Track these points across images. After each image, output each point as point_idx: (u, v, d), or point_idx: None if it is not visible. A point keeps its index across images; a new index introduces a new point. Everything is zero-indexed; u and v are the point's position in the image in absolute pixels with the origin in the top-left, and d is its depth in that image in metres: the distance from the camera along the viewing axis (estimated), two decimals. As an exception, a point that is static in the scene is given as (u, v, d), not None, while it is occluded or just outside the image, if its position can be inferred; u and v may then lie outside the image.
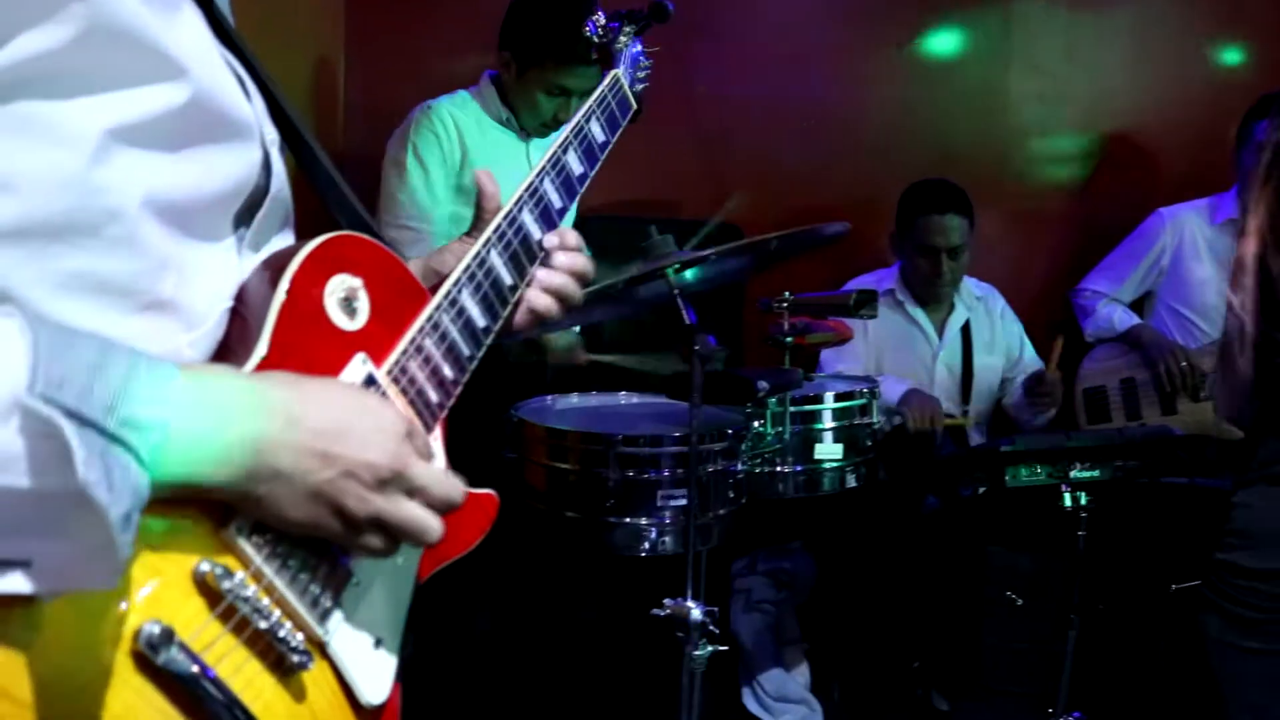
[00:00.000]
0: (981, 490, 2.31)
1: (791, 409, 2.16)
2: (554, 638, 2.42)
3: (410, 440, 0.74)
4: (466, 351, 0.90)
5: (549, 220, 1.02)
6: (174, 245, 0.72)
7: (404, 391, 0.84)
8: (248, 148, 0.77)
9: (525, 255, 0.99)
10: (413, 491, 0.73)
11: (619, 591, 2.27)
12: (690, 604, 1.68)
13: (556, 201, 1.03)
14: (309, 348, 0.77)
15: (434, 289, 0.91)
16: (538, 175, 1.01)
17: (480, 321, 0.92)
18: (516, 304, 1.01)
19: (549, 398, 2.25)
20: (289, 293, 0.75)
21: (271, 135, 0.82)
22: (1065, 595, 2.23)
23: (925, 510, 2.64)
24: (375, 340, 0.82)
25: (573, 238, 1.05)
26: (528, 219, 1.00)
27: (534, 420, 2.01)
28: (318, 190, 0.92)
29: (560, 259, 1.03)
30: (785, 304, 2.21)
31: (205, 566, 0.67)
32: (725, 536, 1.98)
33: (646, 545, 1.90)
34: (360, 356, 0.81)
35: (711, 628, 1.66)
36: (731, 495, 2.01)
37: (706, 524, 1.92)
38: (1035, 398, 2.92)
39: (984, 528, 2.52)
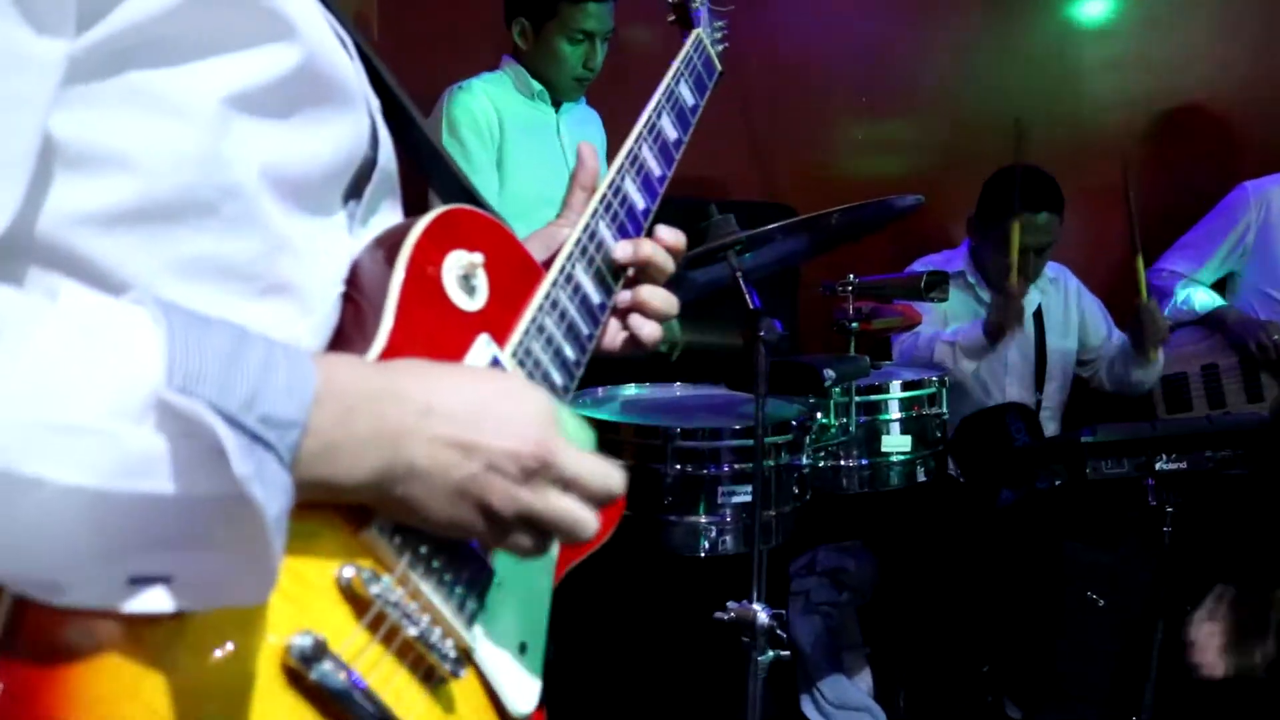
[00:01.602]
0: (1059, 483, 2.26)
1: (857, 399, 2.14)
2: (607, 640, 2.43)
3: (555, 424, 0.72)
4: (585, 330, 0.91)
5: (650, 189, 1.03)
6: (290, 222, 0.71)
7: (530, 375, 0.84)
8: (356, 115, 0.77)
9: (631, 225, 1.00)
10: (564, 482, 0.71)
11: (676, 593, 2.25)
12: (756, 607, 1.64)
13: (656, 168, 1.04)
14: (431, 331, 0.77)
15: (548, 263, 0.92)
16: (636, 141, 1.02)
17: (595, 297, 0.93)
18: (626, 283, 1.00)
19: (599, 389, 2.25)
20: (408, 271, 0.75)
21: (374, 102, 0.82)
22: (1150, 596, 2.20)
23: (999, 505, 2.59)
24: (496, 320, 0.83)
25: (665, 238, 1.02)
26: (630, 187, 1.00)
27: (584, 413, 2.01)
28: (418, 163, 0.93)
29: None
30: (850, 287, 2.18)
31: (350, 571, 0.66)
32: (787, 535, 1.97)
33: (706, 544, 1.89)
34: (484, 338, 0.81)
35: (779, 632, 1.63)
36: (795, 491, 2.00)
37: (769, 522, 1.91)
38: (1138, 336, 2.85)
39: (1062, 523, 2.48)
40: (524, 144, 2.74)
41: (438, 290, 0.78)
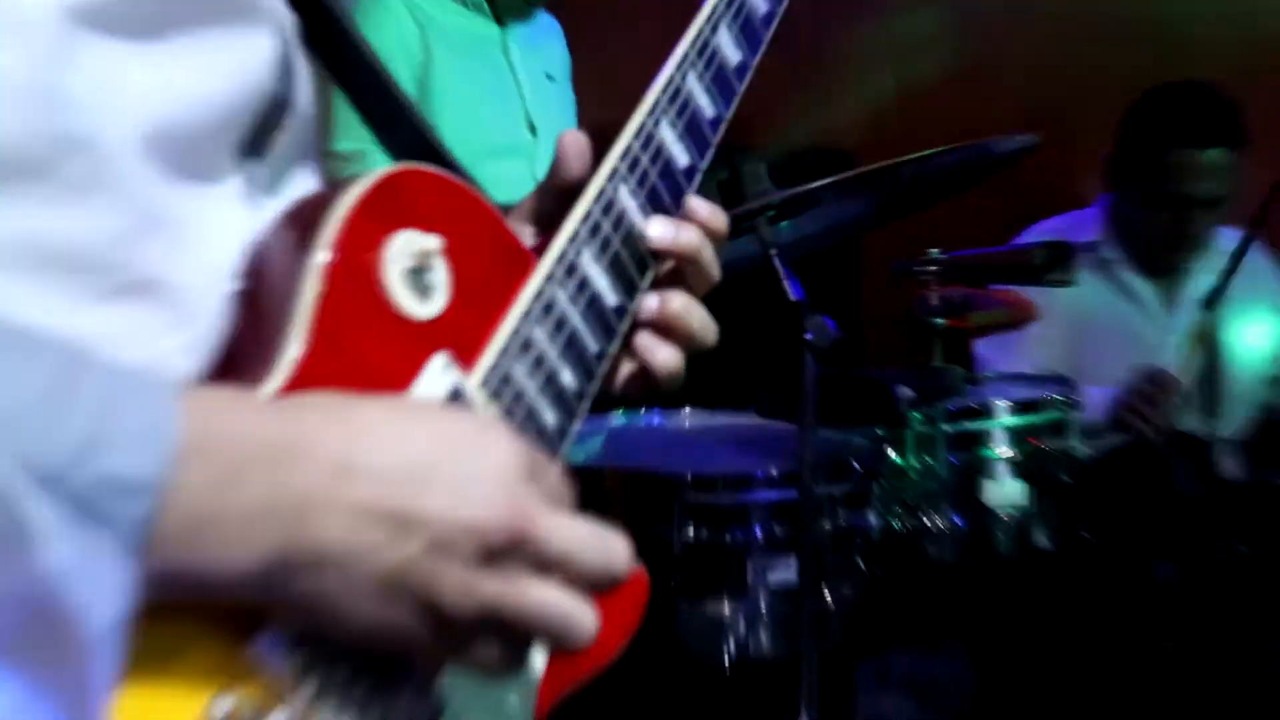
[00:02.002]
0: (1246, 552, 2.29)
1: (947, 429, 2.17)
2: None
3: (534, 483, 0.73)
4: (594, 346, 0.93)
5: (698, 138, 1.03)
6: (160, 191, 0.73)
7: (509, 411, 0.85)
8: (258, 36, 0.78)
9: (670, 194, 1.01)
10: (546, 563, 0.72)
11: (688, 716, 2.25)
12: (805, 733, 1.66)
13: (708, 107, 1.05)
14: (364, 349, 0.78)
15: (536, 249, 0.93)
16: (679, 67, 1.02)
17: (610, 299, 0.95)
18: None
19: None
20: (332, 262, 0.76)
21: (288, 19, 0.83)
22: None
23: (1156, 582, 2.61)
24: (461, 332, 0.85)
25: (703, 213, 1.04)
26: (667, 135, 1.01)
27: None
28: (357, 105, 0.95)
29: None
30: (935, 268, 2.21)
31: (227, 706, 0.66)
32: (849, 631, 2.00)
33: (732, 645, 1.92)
34: (441, 359, 0.83)
35: (839, 773, 1.66)
36: (860, 566, 2.03)
37: (823, 612, 1.93)
38: None
39: (1260, 612, 2.48)
40: (457, 69, 2.77)
41: (375, 289, 0.80)
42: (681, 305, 1.00)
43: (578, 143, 1.01)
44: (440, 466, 0.70)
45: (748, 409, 2.34)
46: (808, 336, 1.67)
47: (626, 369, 1.01)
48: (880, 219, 2.10)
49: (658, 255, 0.99)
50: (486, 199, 0.90)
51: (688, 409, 2.34)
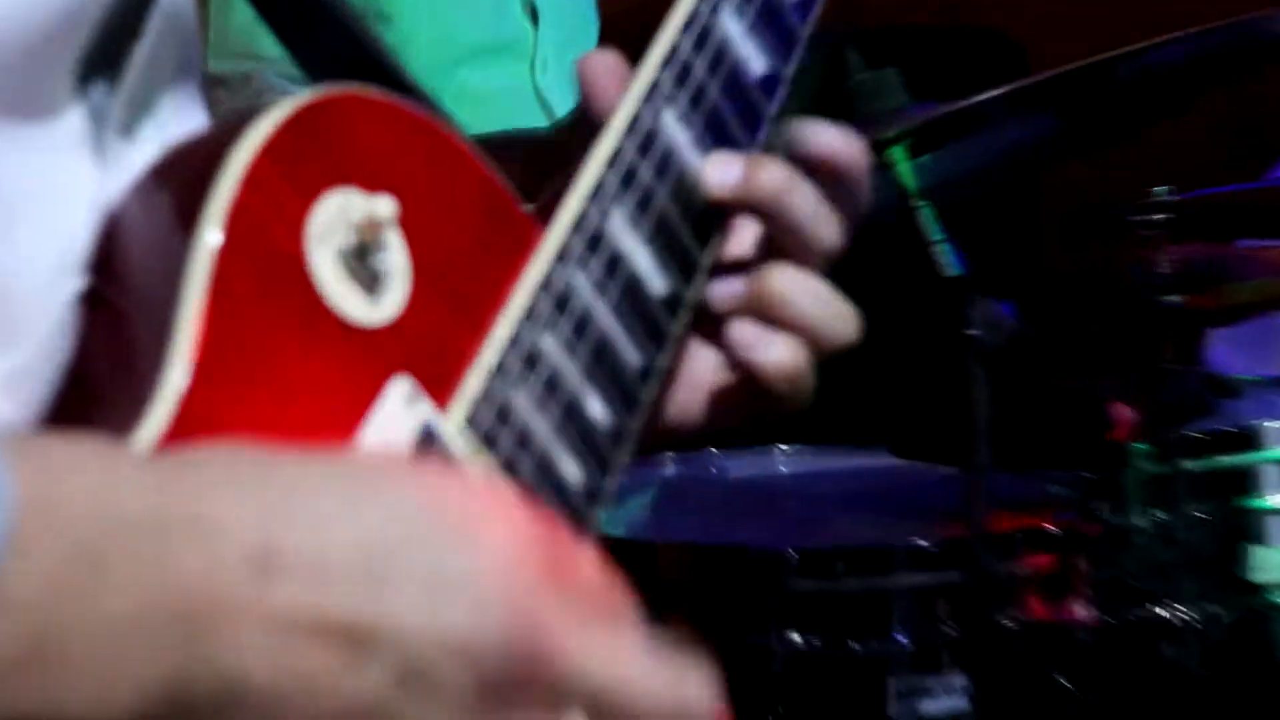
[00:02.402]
0: None
1: (1190, 467, 2.14)
2: None
3: (551, 578, 0.74)
4: (634, 358, 0.95)
5: (780, 32, 1.06)
6: None
7: (510, 464, 0.87)
8: None
9: (741, 118, 1.02)
10: (577, 698, 0.73)
11: None
12: None
13: None
14: (281, 372, 0.80)
15: (542, 209, 0.95)
16: None
17: (656, 284, 0.97)
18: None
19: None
20: (226, 244, 0.77)
21: None
22: None
23: None
24: (430, 342, 0.87)
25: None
26: (732, 27, 1.03)
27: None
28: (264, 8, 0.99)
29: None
30: (1162, 216, 2.15)
31: None
32: None
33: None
34: (401, 385, 0.84)
35: None
36: (1063, 684, 2.01)
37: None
38: None
39: None
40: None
41: (296, 282, 0.81)
42: (786, 284, 1.01)
43: (606, 64, 1.04)
44: (409, 555, 0.72)
45: (877, 445, 2.35)
46: (973, 333, 1.68)
47: (712, 378, 1.04)
48: (1073, 147, 2.10)
49: (724, 212, 1.01)
50: (463, 138, 0.92)
51: (783, 447, 2.34)
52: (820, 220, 1.01)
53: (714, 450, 2.36)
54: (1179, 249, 2.20)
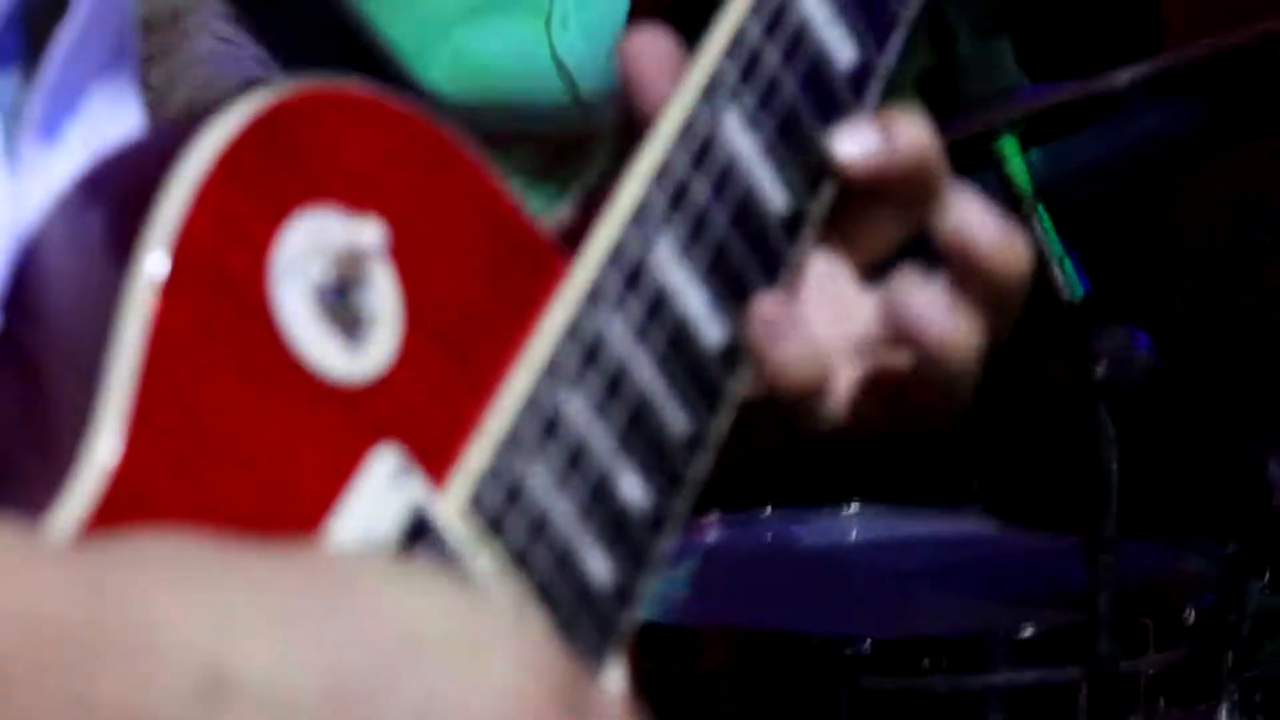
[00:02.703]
0: None
1: None
2: None
3: (565, 713, 0.75)
4: (681, 424, 0.94)
5: (873, 10, 1.05)
6: None
7: (522, 558, 0.86)
8: None
9: (821, 117, 1.02)
10: None
11: None
12: None
13: None
14: (238, 439, 0.79)
15: (570, 234, 0.96)
16: None
17: (712, 332, 0.95)
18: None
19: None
20: (172, 277, 0.77)
21: None
22: None
23: None
24: (423, 403, 0.86)
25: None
26: (814, 8, 1.03)
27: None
28: None
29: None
30: None
31: None
32: None
33: None
34: (387, 456, 0.83)
35: None
36: None
37: None
38: None
39: None
40: None
41: (258, 326, 0.80)
42: (925, 300, 1.00)
43: (653, 48, 1.01)
44: (391, 686, 0.73)
45: (968, 505, 2.35)
46: (1098, 369, 1.64)
47: (844, 378, 1.03)
48: (1221, 141, 2.08)
49: (800, 235, 1.01)
50: (469, 144, 0.91)
51: (855, 508, 2.34)
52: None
53: (769, 511, 2.35)
54: None
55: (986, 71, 1.73)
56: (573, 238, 0.94)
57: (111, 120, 0.92)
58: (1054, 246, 1.68)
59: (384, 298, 0.84)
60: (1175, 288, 3.18)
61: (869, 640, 1.91)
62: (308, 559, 0.77)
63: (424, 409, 0.86)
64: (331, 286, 0.82)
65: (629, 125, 1.01)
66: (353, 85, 0.88)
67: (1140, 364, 1.64)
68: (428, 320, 0.86)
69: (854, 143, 0.98)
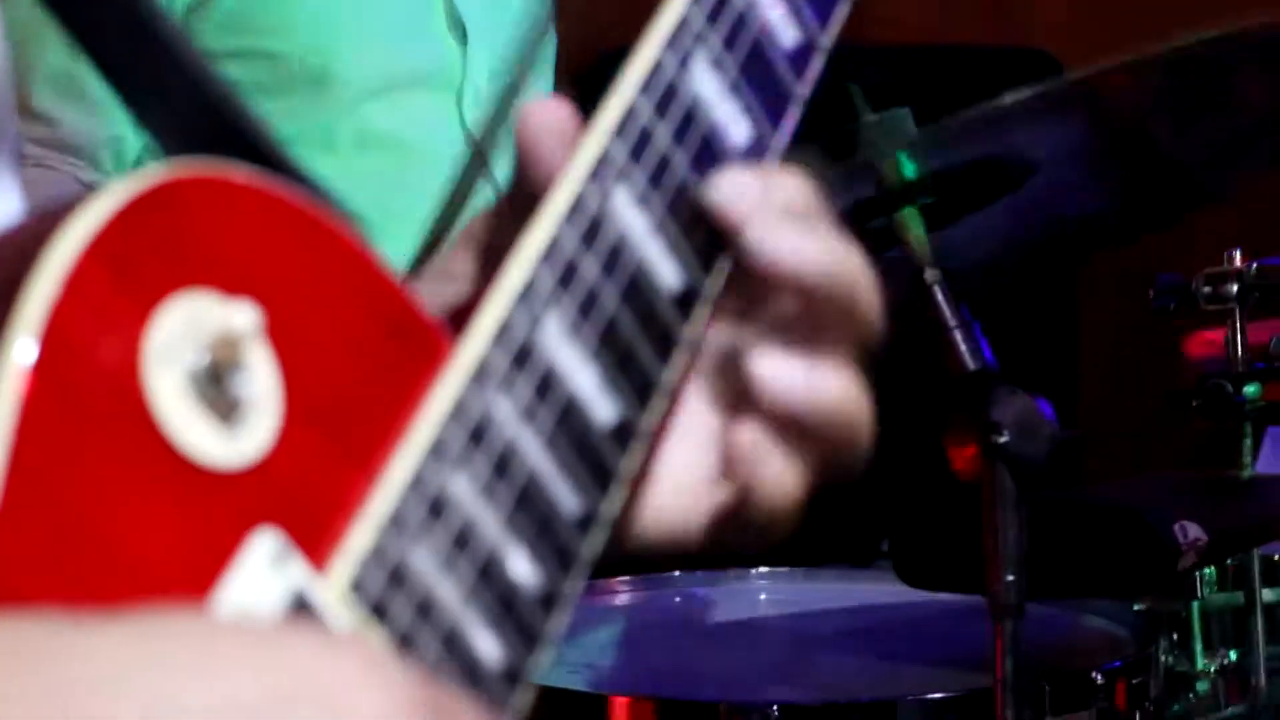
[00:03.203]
0: None
1: (1271, 599, 2.13)
2: None
3: None
4: (572, 503, 0.94)
5: (768, 87, 1.07)
6: None
7: (407, 639, 0.85)
8: None
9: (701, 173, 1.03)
10: None
11: None
12: None
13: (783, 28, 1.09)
14: (108, 524, 0.78)
15: (455, 317, 0.95)
16: None
17: (603, 410, 0.96)
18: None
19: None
20: (39, 364, 0.76)
21: None
22: None
23: None
24: (302, 488, 0.85)
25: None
26: (706, 86, 1.04)
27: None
28: (87, 42, 0.99)
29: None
30: (1234, 287, 2.13)
31: None
32: None
33: None
34: (266, 540, 0.82)
35: None
36: None
37: None
38: None
39: None
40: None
41: (132, 414, 0.79)
42: (835, 378, 1.01)
43: (552, 121, 1.02)
44: None
45: (874, 566, 2.35)
46: (1003, 438, 1.65)
47: (695, 502, 1.04)
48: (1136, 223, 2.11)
49: (692, 311, 1.01)
50: (343, 222, 0.91)
51: (760, 570, 2.35)
52: (867, 290, 1.00)
53: (677, 574, 2.35)
54: (1257, 328, 2.19)
55: (887, 138, 1.73)
56: (460, 318, 0.93)
57: None
58: (956, 316, 1.69)
59: (261, 381, 0.84)
60: (1079, 354, 3.22)
61: (775, 707, 1.91)
62: (155, 622, 0.76)
63: (304, 492, 0.85)
64: (206, 371, 0.81)
65: (524, 197, 1.02)
66: (227, 169, 0.87)
67: (1044, 431, 1.64)
68: (307, 403, 0.86)
69: (730, 185, 0.99)
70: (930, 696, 1.94)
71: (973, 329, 1.70)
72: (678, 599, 2.31)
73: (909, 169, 1.79)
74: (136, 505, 0.79)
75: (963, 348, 1.69)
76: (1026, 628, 1.86)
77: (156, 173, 0.83)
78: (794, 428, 1.00)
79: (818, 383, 1.00)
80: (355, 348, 0.90)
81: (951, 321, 1.70)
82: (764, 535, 1.02)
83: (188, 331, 0.80)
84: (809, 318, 1.01)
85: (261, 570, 0.81)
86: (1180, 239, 2.30)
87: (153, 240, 0.81)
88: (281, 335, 0.84)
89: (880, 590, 2.32)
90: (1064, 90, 1.85)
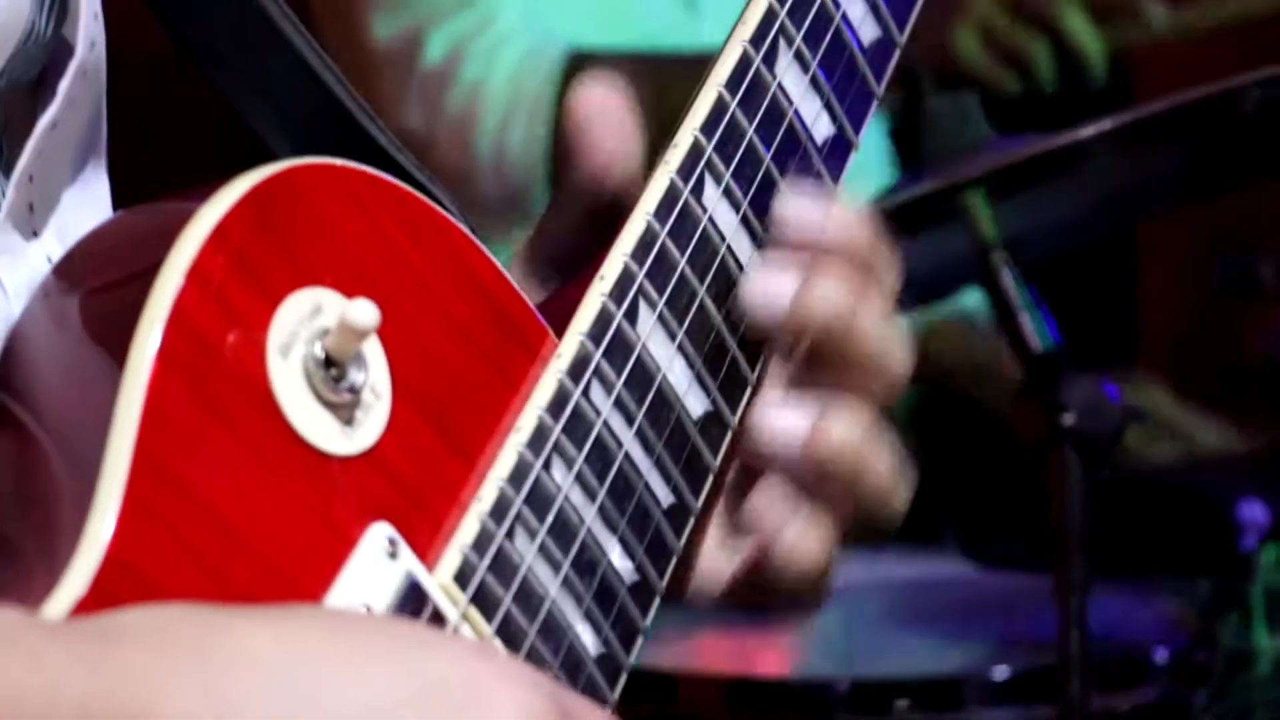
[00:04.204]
0: None
1: None
2: None
3: None
4: (665, 494, 0.95)
5: (849, 80, 1.08)
6: None
7: (508, 627, 0.86)
8: None
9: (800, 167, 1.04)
10: None
11: None
12: None
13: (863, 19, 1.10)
14: (234, 515, 0.78)
15: (557, 311, 0.95)
16: None
17: (695, 403, 0.97)
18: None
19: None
20: (166, 351, 0.76)
21: None
22: None
23: None
24: (412, 477, 0.86)
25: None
26: (791, 82, 1.05)
27: None
28: (204, 55, 0.99)
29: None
30: None
31: None
32: None
33: None
34: (380, 533, 0.83)
35: None
36: None
37: None
38: None
39: None
40: None
41: (255, 402, 0.80)
42: (849, 431, 0.99)
43: (602, 105, 1.04)
44: None
45: (943, 547, 2.35)
46: (1066, 419, 1.65)
47: (718, 560, 1.03)
48: (1191, 191, 2.10)
49: (773, 330, 1.00)
50: (459, 221, 0.92)
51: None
52: (889, 341, 0.99)
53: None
54: None
55: (954, 126, 1.73)
56: (561, 312, 0.94)
57: (84, 209, 0.91)
58: (1023, 298, 1.69)
59: (377, 376, 0.85)
60: (1130, 339, 3.19)
61: (847, 682, 1.91)
62: (300, 620, 0.77)
63: (414, 483, 0.86)
64: (326, 365, 0.82)
65: (575, 189, 1.03)
66: (343, 164, 0.88)
67: (1109, 413, 1.64)
68: (417, 396, 0.87)
69: (765, 291, 0.98)
70: (996, 675, 1.94)
71: (1039, 310, 1.69)
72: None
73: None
74: (259, 494, 0.80)
75: (1029, 329, 1.68)
76: (1102, 614, 1.89)
77: (273, 168, 0.84)
78: (812, 484, 0.99)
79: (825, 434, 0.99)
80: (463, 342, 0.91)
81: (1018, 303, 1.69)
82: (794, 595, 1.02)
83: (309, 326, 0.82)
84: (822, 369, 1.00)
85: (376, 560, 0.82)
86: (1239, 222, 2.25)
87: (275, 235, 0.83)
88: (394, 329, 0.85)
89: (946, 570, 2.32)
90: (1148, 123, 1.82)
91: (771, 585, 1.01)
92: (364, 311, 0.81)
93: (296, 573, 0.80)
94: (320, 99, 0.99)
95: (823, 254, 0.98)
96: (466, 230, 0.92)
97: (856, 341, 0.97)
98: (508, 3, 2.90)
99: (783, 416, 0.99)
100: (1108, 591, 2.01)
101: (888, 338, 0.98)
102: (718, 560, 1.03)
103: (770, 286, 0.98)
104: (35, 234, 0.87)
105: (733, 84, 1.01)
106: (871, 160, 2.07)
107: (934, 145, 1.75)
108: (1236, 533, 1.94)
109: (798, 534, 0.98)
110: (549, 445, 0.90)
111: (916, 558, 2.35)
